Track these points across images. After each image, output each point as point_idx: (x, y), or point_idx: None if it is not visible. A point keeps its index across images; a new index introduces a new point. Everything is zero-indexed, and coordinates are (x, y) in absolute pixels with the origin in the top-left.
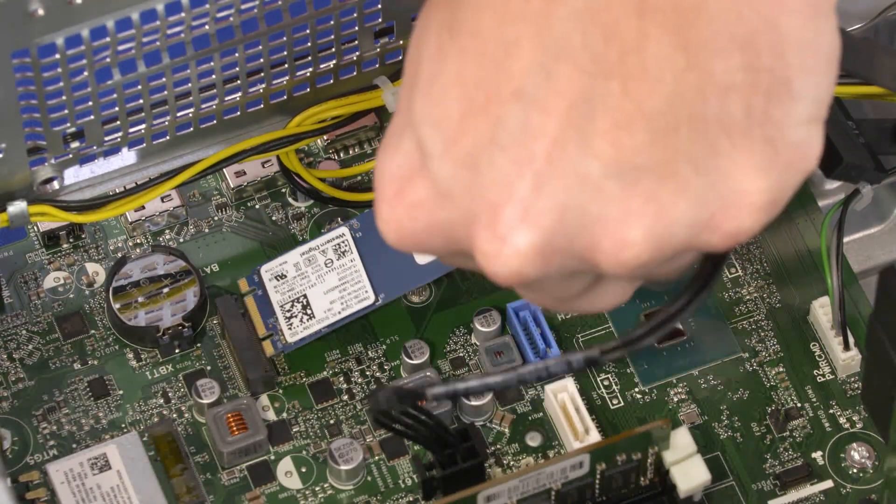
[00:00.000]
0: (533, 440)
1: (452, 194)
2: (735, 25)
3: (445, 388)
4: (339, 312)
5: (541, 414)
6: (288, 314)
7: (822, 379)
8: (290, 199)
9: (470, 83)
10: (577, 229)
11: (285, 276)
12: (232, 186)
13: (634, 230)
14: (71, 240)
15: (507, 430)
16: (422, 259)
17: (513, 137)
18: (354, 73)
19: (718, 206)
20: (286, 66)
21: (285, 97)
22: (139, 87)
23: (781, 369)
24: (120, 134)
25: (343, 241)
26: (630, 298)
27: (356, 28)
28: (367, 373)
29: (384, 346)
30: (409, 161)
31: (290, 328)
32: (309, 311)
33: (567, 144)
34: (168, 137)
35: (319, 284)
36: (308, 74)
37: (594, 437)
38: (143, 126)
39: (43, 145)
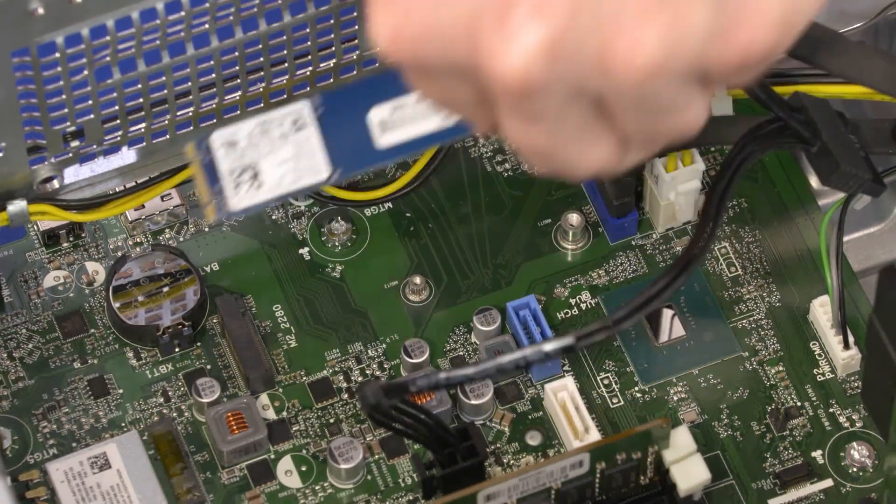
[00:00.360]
0: (533, 439)
1: None
2: None
3: (428, 379)
4: (290, 185)
5: (541, 413)
6: (236, 182)
7: (822, 378)
8: (290, 199)
9: None
10: (590, 29)
11: (237, 144)
12: None
13: (649, 32)
14: (71, 239)
15: (506, 429)
16: (383, 141)
17: None
18: (354, 73)
19: (734, 18)
20: (286, 65)
21: (285, 97)
22: (139, 85)
23: (781, 368)
24: (120, 133)
25: (302, 116)
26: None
27: (356, 27)
28: (367, 372)
29: (384, 346)
30: None
31: (236, 195)
32: (258, 181)
33: None
34: (168, 136)
35: (272, 155)
36: (308, 74)
37: (594, 436)
38: (143, 125)
39: (43, 144)
